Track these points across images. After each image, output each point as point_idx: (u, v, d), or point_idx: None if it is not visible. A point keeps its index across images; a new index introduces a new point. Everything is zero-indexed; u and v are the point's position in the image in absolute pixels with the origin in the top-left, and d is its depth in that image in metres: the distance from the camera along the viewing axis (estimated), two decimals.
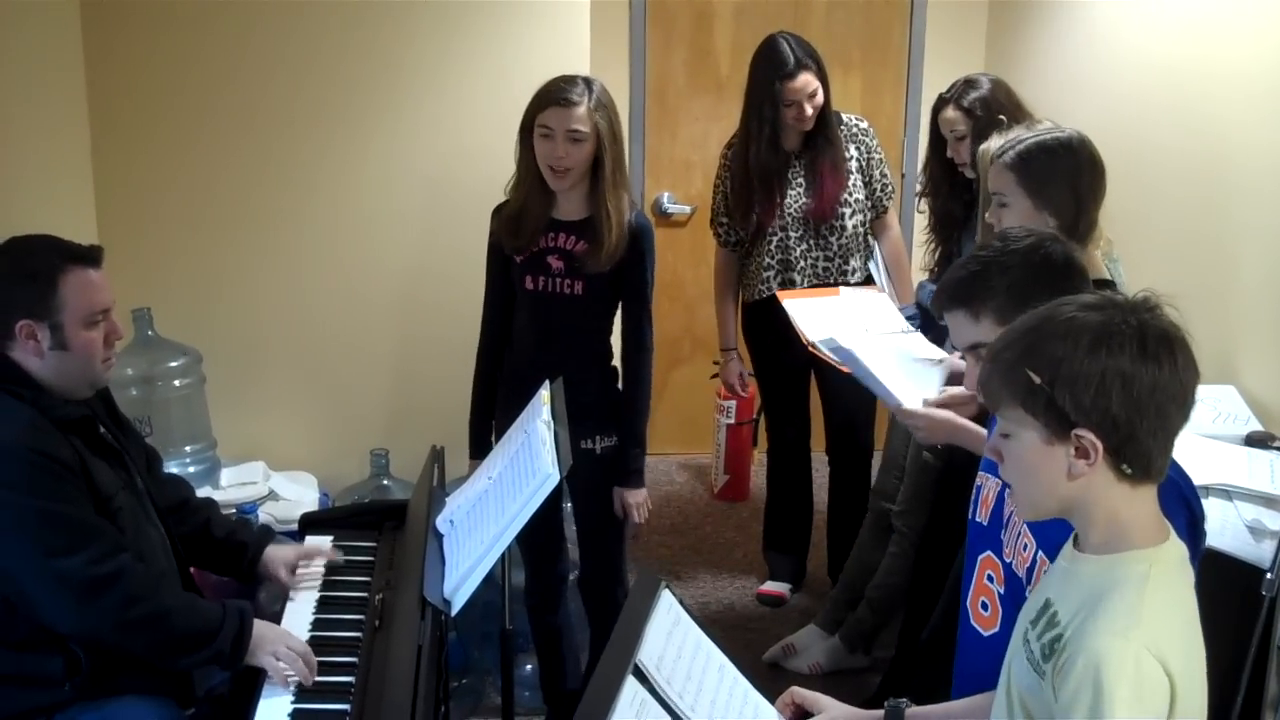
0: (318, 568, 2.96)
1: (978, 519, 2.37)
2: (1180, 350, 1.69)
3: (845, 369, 3.74)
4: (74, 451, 2.52)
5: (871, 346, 3.25)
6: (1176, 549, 1.77)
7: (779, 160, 4.29)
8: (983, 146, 3.12)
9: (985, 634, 2.30)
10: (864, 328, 3.70)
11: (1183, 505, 2.10)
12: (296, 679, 2.49)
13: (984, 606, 2.32)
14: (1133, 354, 1.65)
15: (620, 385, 3.53)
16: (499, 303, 3.54)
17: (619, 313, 3.51)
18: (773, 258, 4.38)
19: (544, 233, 3.38)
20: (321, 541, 3.04)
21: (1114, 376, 1.65)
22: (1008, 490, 2.25)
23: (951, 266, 2.35)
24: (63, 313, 2.55)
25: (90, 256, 2.62)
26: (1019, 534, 2.19)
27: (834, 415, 4.59)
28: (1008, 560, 2.22)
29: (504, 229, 3.41)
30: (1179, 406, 1.69)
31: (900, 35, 5.89)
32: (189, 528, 2.94)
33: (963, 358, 2.46)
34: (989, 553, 2.31)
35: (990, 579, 2.30)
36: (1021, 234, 2.28)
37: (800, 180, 4.33)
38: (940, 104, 3.95)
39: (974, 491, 2.40)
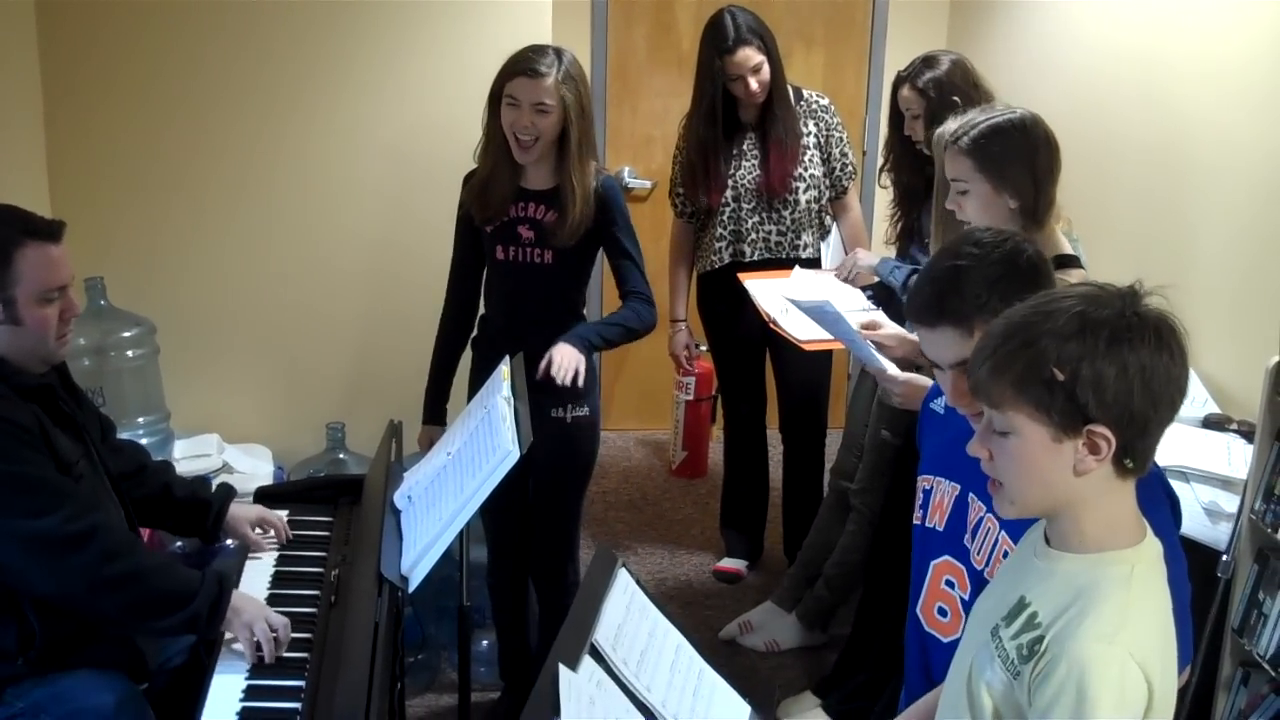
0: (281, 529, 2.98)
1: (929, 524, 2.33)
2: (1181, 339, 1.67)
3: (807, 346, 3.77)
4: (35, 418, 2.49)
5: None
6: (1153, 547, 1.75)
7: (717, 136, 4.29)
8: (937, 131, 3.11)
9: (946, 640, 2.27)
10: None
11: (1164, 495, 2.10)
12: (263, 655, 2.46)
13: (942, 612, 2.30)
14: (1151, 347, 1.63)
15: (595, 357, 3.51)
16: (464, 272, 3.52)
17: (592, 281, 3.50)
18: (725, 229, 4.38)
19: (514, 202, 3.36)
20: (279, 513, 3.03)
21: (1136, 372, 1.62)
22: (971, 495, 2.22)
23: (921, 277, 2.24)
24: (16, 287, 2.49)
25: (50, 232, 2.55)
26: (996, 540, 2.14)
27: (788, 393, 4.60)
28: (979, 568, 2.18)
29: (473, 199, 3.40)
30: (1183, 395, 1.68)
31: (863, 12, 5.89)
32: (148, 490, 2.91)
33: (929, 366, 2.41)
34: (946, 558, 2.28)
35: (950, 584, 2.27)
36: (993, 237, 2.17)
37: (755, 153, 4.33)
38: (898, 82, 3.97)
39: (921, 496, 2.37)
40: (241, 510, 2.98)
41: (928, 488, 2.35)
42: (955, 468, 2.26)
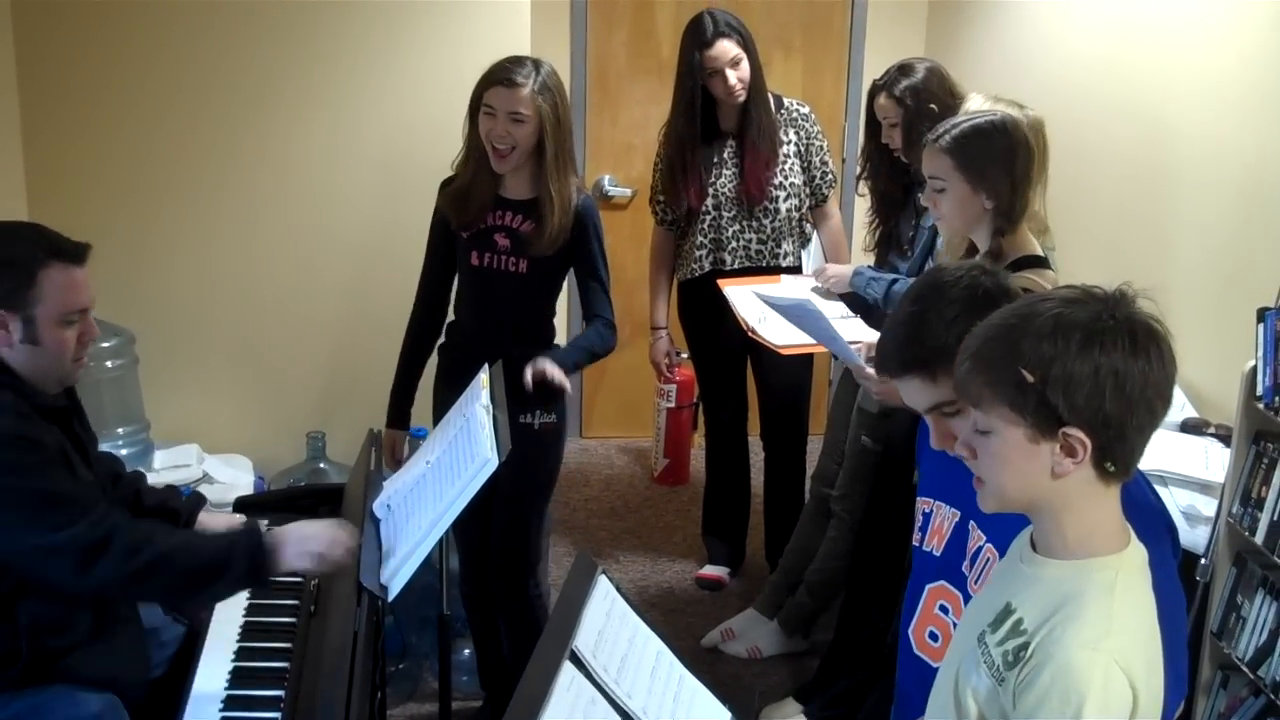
0: None
1: (926, 548, 2.32)
2: (1164, 344, 1.65)
3: (784, 351, 3.78)
4: (57, 440, 2.50)
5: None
6: (1138, 554, 1.75)
7: (695, 133, 4.28)
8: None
9: (934, 665, 2.21)
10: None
11: (1165, 529, 2.09)
12: (343, 560, 2.51)
13: (933, 637, 2.28)
14: (1125, 351, 1.62)
15: None
16: (435, 278, 3.53)
17: (570, 292, 3.51)
18: (705, 236, 4.38)
19: (492, 210, 3.37)
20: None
21: (1108, 375, 1.61)
22: (972, 523, 2.20)
23: (886, 326, 2.22)
24: (37, 307, 2.49)
25: (76, 254, 2.55)
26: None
27: (769, 399, 4.60)
28: (975, 595, 2.14)
29: (450, 205, 3.40)
30: (1164, 402, 1.67)
31: (841, 20, 5.90)
32: (121, 501, 2.89)
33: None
34: (942, 583, 2.26)
35: (944, 610, 2.25)
36: (950, 275, 2.13)
37: (735, 161, 4.33)
38: (874, 90, 3.97)
39: (921, 518, 2.35)
40: (211, 520, 2.94)
41: (928, 510, 2.33)
42: (956, 493, 2.23)
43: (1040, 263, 2.85)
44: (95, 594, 2.49)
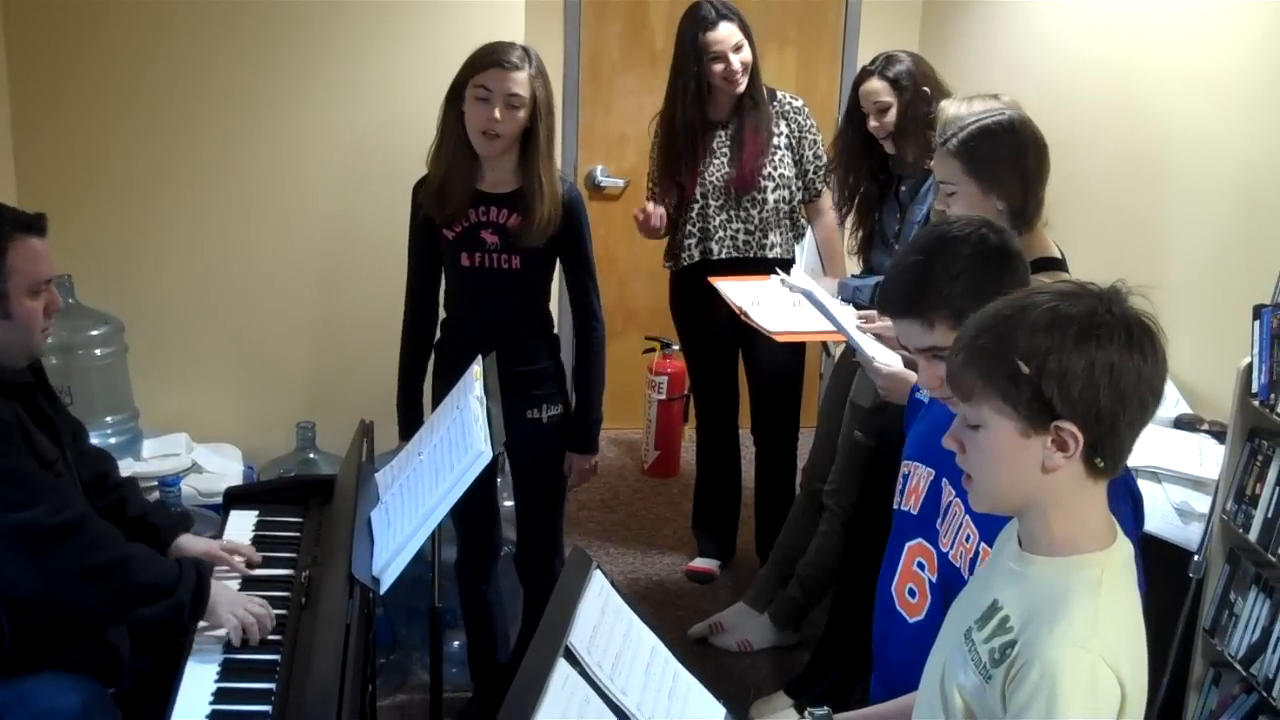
0: (236, 564, 2.84)
1: (904, 508, 2.36)
2: (1158, 341, 1.66)
3: (778, 337, 3.78)
4: (15, 416, 2.49)
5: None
6: (1124, 550, 1.75)
7: (703, 118, 4.27)
8: (942, 104, 3.20)
9: (911, 620, 2.30)
10: (795, 304, 3.74)
11: (1127, 493, 2.10)
12: (249, 639, 2.51)
13: (911, 594, 2.32)
14: (1120, 346, 1.62)
15: (565, 353, 3.52)
16: (423, 281, 3.48)
17: (562, 284, 3.51)
18: (694, 226, 4.37)
19: (474, 206, 3.31)
20: (240, 542, 2.91)
21: (1103, 368, 1.61)
22: (945, 481, 2.24)
23: (892, 267, 2.29)
24: (8, 281, 2.51)
25: (36, 225, 2.57)
26: (960, 524, 2.17)
27: (759, 392, 4.59)
28: (945, 550, 2.21)
29: (430, 199, 3.34)
30: (1156, 398, 1.67)
31: (835, 13, 5.89)
32: (103, 505, 2.85)
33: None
34: (920, 540, 2.30)
35: (921, 566, 2.29)
36: (960, 228, 2.20)
37: (725, 150, 4.31)
38: (863, 75, 3.96)
39: (900, 480, 2.40)
40: (192, 543, 2.86)
41: (906, 473, 2.38)
42: (931, 453, 2.28)
43: (1057, 265, 2.84)
44: (40, 593, 2.44)
